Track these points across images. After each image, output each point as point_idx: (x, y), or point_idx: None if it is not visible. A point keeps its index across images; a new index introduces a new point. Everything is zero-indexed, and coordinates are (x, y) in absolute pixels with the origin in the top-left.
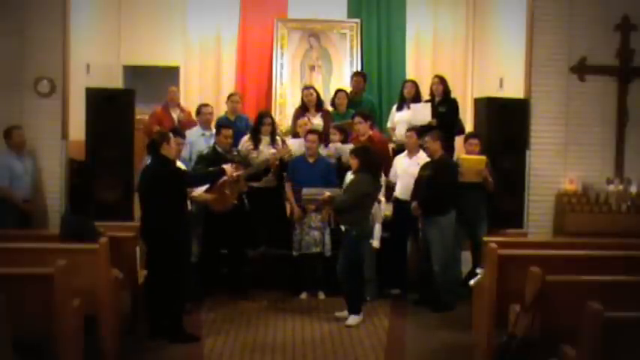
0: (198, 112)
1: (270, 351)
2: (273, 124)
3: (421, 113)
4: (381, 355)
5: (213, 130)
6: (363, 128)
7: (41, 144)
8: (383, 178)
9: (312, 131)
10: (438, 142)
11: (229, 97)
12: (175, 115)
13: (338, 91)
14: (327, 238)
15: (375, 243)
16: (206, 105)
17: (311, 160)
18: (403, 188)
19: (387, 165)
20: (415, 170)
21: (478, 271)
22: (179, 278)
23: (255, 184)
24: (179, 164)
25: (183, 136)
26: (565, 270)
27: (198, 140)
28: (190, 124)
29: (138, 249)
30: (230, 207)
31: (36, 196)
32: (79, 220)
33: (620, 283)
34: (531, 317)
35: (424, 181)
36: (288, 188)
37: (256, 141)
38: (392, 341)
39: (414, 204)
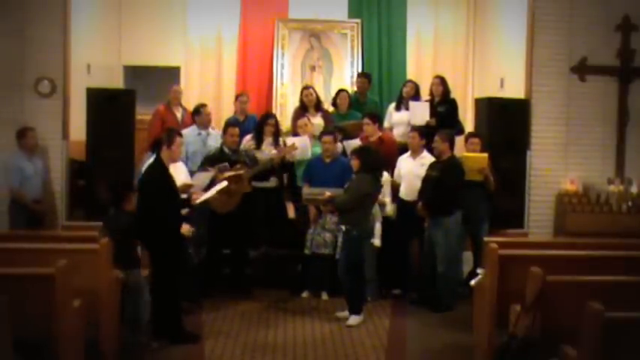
0: (198, 112)
1: (271, 351)
2: (276, 125)
3: (419, 112)
4: (382, 356)
5: (209, 130)
6: (372, 129)
7: (42, 144)
8: (388, 179)
9: (327, 132)
10: (447, 143)
11: (237, 97)
12: (179, 114)
13: (340, 91)
14: (340, 241)
15: (377, 242)
16: (205, 105)
17: (327, 161)
18: (407, 189)
19: (395, 166)
20: (419, 171)
21: (479, 271)
22: (177, 278)
23: (257, 185)
24: (180, 166)
25: (181, 136)
26: (566, 270)
27: (195, 140)
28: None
29: (139, 249)
30: (232, 208)
31: (46, 196)
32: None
33: (621, 284)
34: (532, 317)
35: (431, 182)
36: (305, 189)
37: (259, 141)
38: (393, 341)
39: (419, 204)
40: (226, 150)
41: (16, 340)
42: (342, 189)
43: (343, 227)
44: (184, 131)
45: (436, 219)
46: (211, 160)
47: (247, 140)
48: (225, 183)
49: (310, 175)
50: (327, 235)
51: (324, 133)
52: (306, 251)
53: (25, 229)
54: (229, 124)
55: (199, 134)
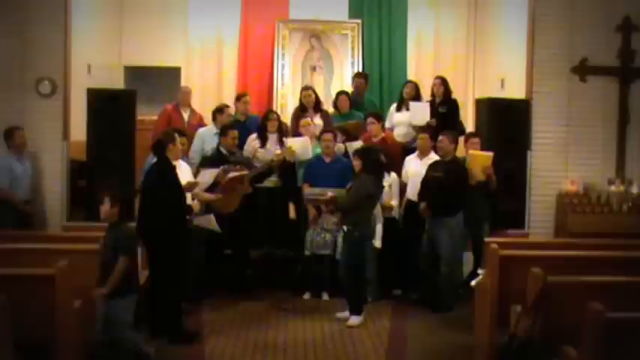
0: (221, 111)
1: (272, 351)
2: (279, 119)
3: (420, 112)
4: (383, 356)
5: None
6: (376, 129)
7: (42, 145)
8: (396, 180)
9: (327, 131)
10: (454, 145)
11: (240, 97)
12: (186, 115)
13: (339, 93)
14: (340, 241)
15: (377, 243)
16: (228, 106)
17: (328, 160)
18: (414, 189)
19: (399, 166)
20: None
21: (479, 271)
22: (178, 278)
23: (258, 185)
24: (182, 164)
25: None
26: (566, 270)
27: (212, 139)
28: (200, 127)
29: (140, 249)
30: (233, 209)
31: (36, 197)
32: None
33: (622, 284)
34: (533, 318)
35: (434, 182)
36: (306, 189)
37: (263, 139)
38: (393, 342)
39: (422, 205)
40: (224, 151)
41: (17, 340)
42: (344, 189)
43: (345, 228)
44: (202, 130)
45: (440, 219)
46: (209, 161)
47: (252, 139)
48: (215, 171)
49: (311, 175)
50: (327, 236)
51: (324, 131)
52: (306, 252)
53: (12, 230)
54: (229, 126)
55: (216, 133)
